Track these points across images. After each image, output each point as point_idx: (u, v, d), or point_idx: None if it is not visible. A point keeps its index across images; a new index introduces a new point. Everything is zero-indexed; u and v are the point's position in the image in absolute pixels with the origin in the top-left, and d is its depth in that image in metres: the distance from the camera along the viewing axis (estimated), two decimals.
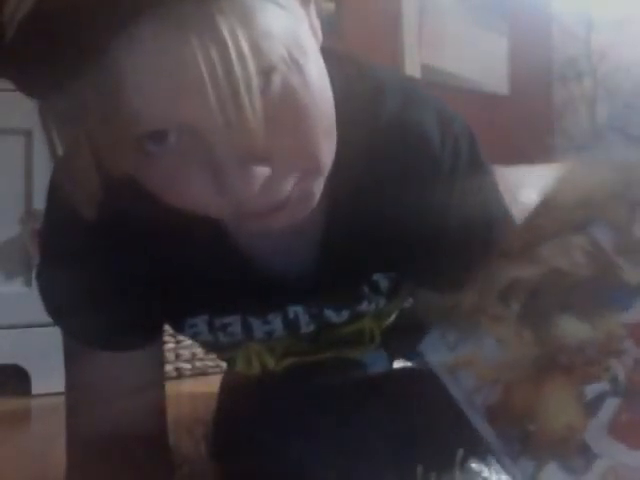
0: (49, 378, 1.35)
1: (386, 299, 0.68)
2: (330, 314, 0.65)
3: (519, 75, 2.63)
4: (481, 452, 0.69)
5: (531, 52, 2.69)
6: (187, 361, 1.52)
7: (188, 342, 1.52)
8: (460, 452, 0.64)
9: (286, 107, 0.41)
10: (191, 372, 1.51)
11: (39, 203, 1.38)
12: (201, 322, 0.64)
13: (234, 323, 0.65)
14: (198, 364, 1.53)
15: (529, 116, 2.68)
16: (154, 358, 0.64)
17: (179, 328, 0.67)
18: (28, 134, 1.37)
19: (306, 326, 0.66)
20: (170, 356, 1.50)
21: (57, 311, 0.61)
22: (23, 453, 0.95)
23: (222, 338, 0.66)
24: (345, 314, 0.66)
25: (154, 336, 0.63)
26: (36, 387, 1.34)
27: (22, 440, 1.03)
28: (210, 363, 1.50)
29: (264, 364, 0.70)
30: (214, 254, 0.56)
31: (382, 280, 0.65)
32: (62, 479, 0.74)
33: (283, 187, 0.43)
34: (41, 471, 0.87)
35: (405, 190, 0.57)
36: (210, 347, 0.77)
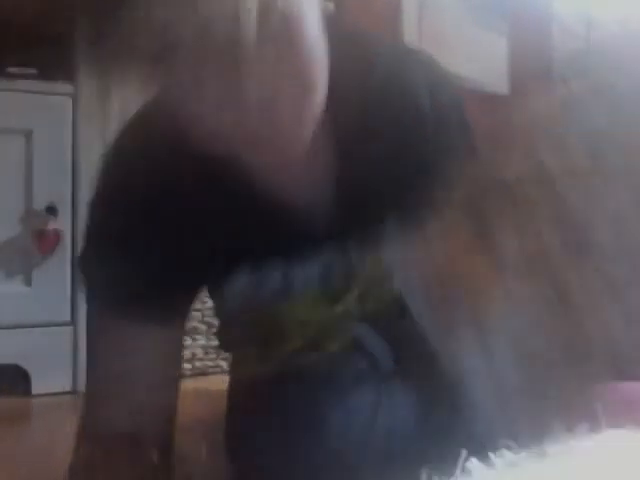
0: (49, 378, 1.35)
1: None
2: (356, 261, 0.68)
3: (519, 75, 2.63)
4: (481, 452, 0.69)
5: (531, 52, 2.69)
6: (187, 361, 1.52)
7: (188, 342, 1.52)
8: (464, 452, 0.65)
9: (284, 30, 0.46)
10: (191, 372, 1.51)
11: (39, 203, 1.39)
12: (242, 277, 0.65)
13: (273, 274, 0.66)
14: (198, 364, 1.53)
15: (529, 116, 2.67)
16: (174, 348, 0.65)
17: (221, 286, 0.67)
18: (28, 134, 1.37)
19: (339, 275, 0.67)
20: None
21: (98, 281, 0.62)
22: (23, 453, 0.95)
23: (262, 292, 0.66)
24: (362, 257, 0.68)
25: (182, 311, 0.65)
26: (36, 387, 1.34)
27: (22, 440, 1.03)
28: (210, 363, 1.51)
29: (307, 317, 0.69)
30: (243, 208, 0.59)
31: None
32: (62, 479, 0.74)
33: (280, 107, 0.49)
34: (41, 471, 0.87)
35: (397, 136, 0.64)
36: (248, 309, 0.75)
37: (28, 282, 1.35)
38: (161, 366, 0.63)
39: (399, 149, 0.64)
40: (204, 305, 1.56)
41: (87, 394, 0.65)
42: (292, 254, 0.65)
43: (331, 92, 0.53)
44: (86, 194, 1.44)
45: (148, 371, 0.62)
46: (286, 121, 0.50)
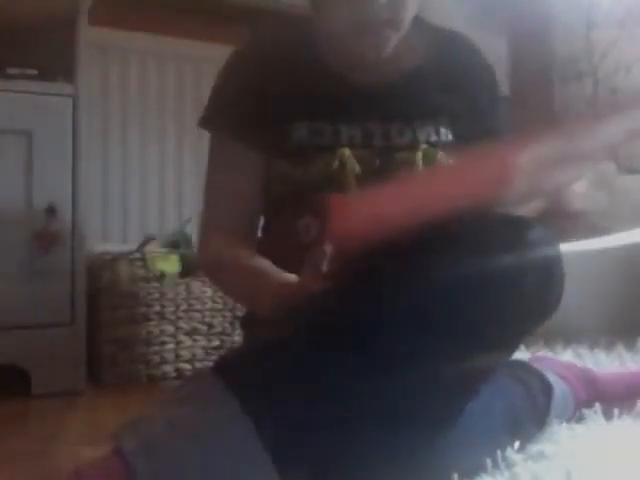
0: (49, 378, 1.35)
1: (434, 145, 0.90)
2: (395, 134, 0.89)
3: (519, 75, 2.63)
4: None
5: (531, 52, 2.69)
6: (187, 361, 1.52)
7: (188, 343, 1.53)
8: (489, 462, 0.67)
9: None
10: (191, 372, 1.51)
11: (39, 203, 1.39)
12: (302, 127, 0.89)
13: (326, 128, 0.89)
14: (198, 365, 1.53)
15: (529, 116, 2.67)
16: (260, 175, 0.90)
17: (288, 134, 0.90)
18: (28, 134, 1.38)
19: (378, 138, 0.89)
20: (170, 356, 1.50)
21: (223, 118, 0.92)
22: (22, 453, 0.95)
23: (317, 139, 0.89)
24: (407, 137, 0.90)
25: (264, 145, 0.90)
26: (36, 387, 1.34)
27: (22, 440, 1.03)
28: (210, 364, 1.51)
29: (352, 166, 0.88)
30: (316, 79, 0.89)
31: (443, 129, 0.91)
32: (61, 479, 0.74)
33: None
34: (41, 471, 0.87)
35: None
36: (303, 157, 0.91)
37: (28, 282, 1.35)
38: (255, 182, 0.90)
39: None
40: (204, 306, 1.57)
41: (206, 203, 0.92)
42: (343, 114, 0.89)
43: None
44: (86, 194, 1.45)
45: (246, 184, 0.90)
46: None
